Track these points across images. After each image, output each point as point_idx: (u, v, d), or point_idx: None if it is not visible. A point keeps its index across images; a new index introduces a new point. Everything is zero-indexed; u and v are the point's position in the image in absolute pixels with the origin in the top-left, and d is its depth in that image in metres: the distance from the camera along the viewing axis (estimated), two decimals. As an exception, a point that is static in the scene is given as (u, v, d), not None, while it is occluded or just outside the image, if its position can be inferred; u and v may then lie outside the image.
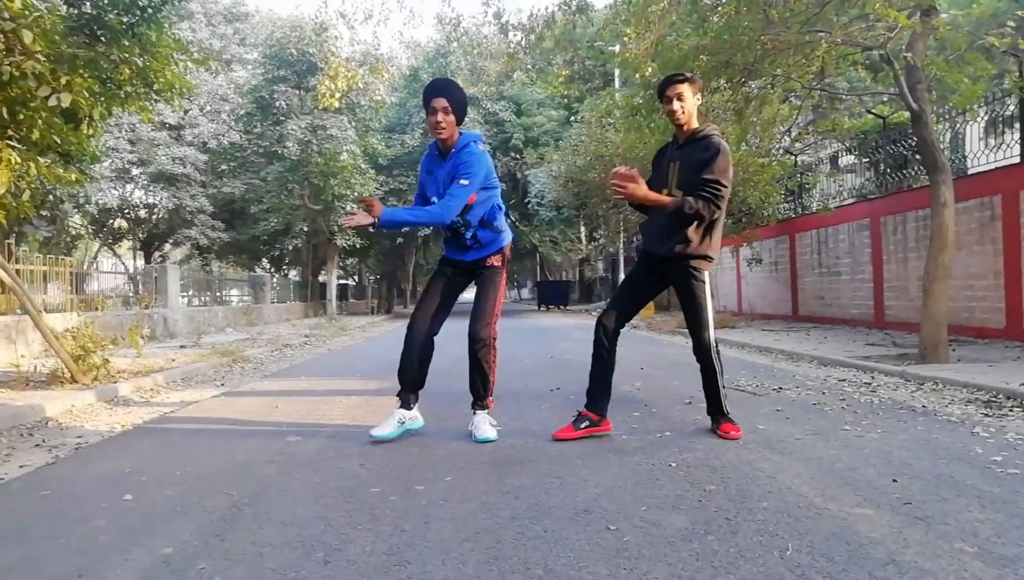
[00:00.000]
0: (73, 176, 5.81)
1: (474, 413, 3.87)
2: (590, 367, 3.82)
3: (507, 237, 3.88)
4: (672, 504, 2.52)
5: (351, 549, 2.16)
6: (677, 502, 2.55)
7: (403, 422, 3.78)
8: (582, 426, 3.71)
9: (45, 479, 3.12)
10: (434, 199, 3.69)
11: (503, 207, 3.91)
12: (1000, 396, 4.61)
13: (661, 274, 3.75)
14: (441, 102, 3.56)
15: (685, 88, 3.56)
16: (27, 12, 4.60)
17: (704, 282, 3.64)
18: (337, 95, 13.25)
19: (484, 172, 3.63)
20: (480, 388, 3.84)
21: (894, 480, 2.75)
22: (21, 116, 5.12)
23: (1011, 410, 4.18)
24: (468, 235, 3.75)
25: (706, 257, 3.62)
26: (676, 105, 3.57)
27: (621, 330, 3.82)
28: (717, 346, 3.74)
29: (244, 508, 2.60)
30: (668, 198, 3.53)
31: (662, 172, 3.72)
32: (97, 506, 2.66)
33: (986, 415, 4.07)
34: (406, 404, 3.82)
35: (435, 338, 3.88)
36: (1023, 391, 4.50)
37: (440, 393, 5.52)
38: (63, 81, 4.82)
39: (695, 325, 3.68)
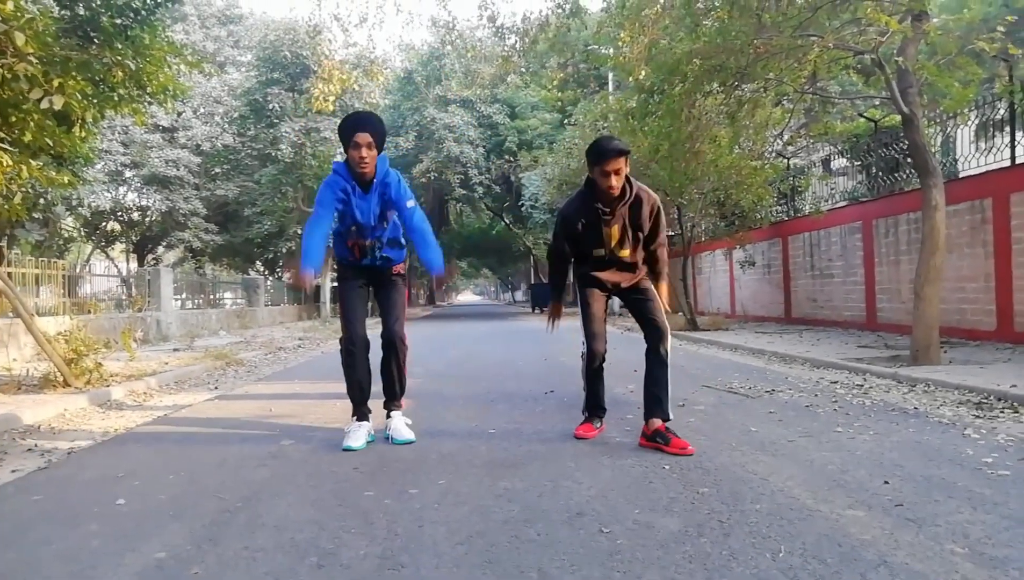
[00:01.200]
0: (66, 179, 5.79)
1: (388, 415, 3.91)
2: (585, 382, 4.06)
3: (405, 253, 4.02)
4: (665, 507, 2.53)
5: (344, 553, 2.16)
6: (670, 504, 2.55)
7: (370, 433, 3.79)
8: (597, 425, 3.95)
9: (37, 484, 3.10)
10: (353, 228, 3.74)
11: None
12: (991, 398, 4.63)
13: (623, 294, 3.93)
14: (365, 137, 3.55)
15: (623, 162, 3.50)
16: (19, 14, 4.59)
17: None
18: (331, 98, 13.23)
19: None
20: (396, 388, 3.91)
21: (886, 482, 2.77)
22: (13, 118, 5.10)
23: (1002, 412, 4.21)
24: (379, 254, 3.82)
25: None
26: (614, 181, 3.49)
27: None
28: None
29: (237, 512, 2.59)
30: (665, 288, 3.88)
31: (593, 234, 3.68)
32: (90, 510, 2.65)
33: (977, 417, 4.09)
34: (364, 417, 3.82)
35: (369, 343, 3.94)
36: (1014, 393, 4.53)
37: (433, 396, 5.52)
38: (55, 84, 4.80)
39: (660, 316, 3.75)
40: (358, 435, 3.70)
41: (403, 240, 3.92)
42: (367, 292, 4.01)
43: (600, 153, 3.48)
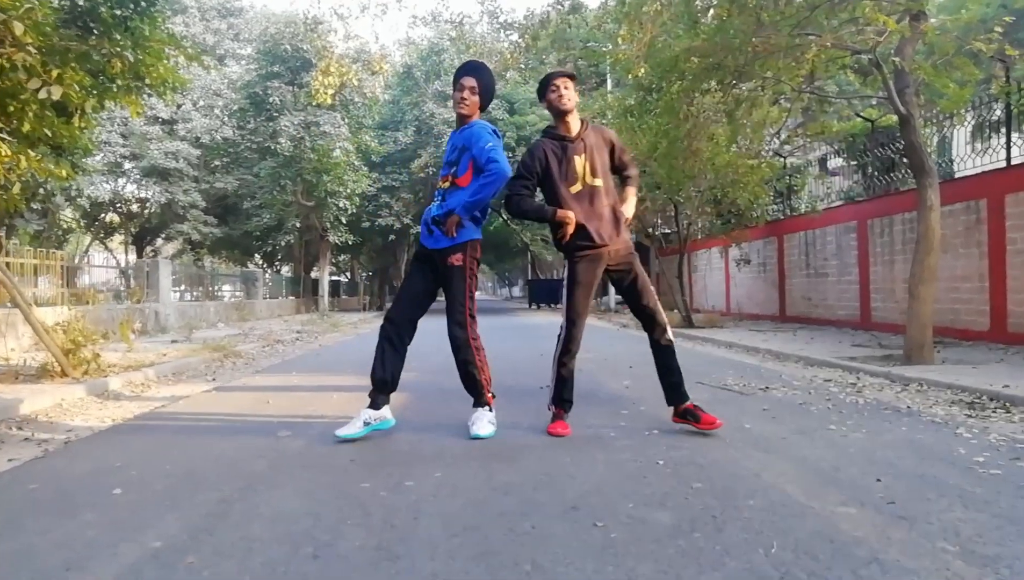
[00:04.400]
0: (64, 172, 5.79)
1: (474, 409, 3.87)
2: (557, 367, 3.88)
3: (472, 233, 3.74)
4: (659, 501, 2.55)
5: (340, 544, 2.18)
6: (664, 499, 2.57)
7: (369, 422, 3.68)
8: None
9: (34, 473, 3.11)
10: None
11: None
12: (983, 397, 4.66)
13: (606, 268, 3.82)
14: (470, 81, 3.73)
15: (567, 81, 3.75)
16: (18, 4, 4.58)
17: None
18: (330, 91, 13.21)
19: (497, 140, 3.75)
20: (471, 388, 3.85)
21: (878, 480, 2.79)
22: (11, 108, 5.09)
23: (994, 411, 4.23)
24: (438, 209, 3.70)
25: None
26: (563, 92, 3.71)
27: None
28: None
29: (233, 503, 2.61)
30: (632, 196, 3.87)
31: (566, 167, 3.71)
32: (86, 500, 2.66)
33: (969, 416, 4.11)
34: (374, 404, 3.74)
35: (414, 333, 3.87)
36: (1006, 393, 4.56)
37: (431, 389, 5.54)
38: (54, 74, 4.80)
39: (655, 304, 3.77)
40: (353, 423, 3.66)
41: (467, 217, 3.67)
42: (429, 277, 3.84)
43: (547, 78, 3.79)
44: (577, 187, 3.69)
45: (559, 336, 3.88)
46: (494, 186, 3.58)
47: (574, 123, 3.77)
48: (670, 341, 3.79)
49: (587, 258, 3.74)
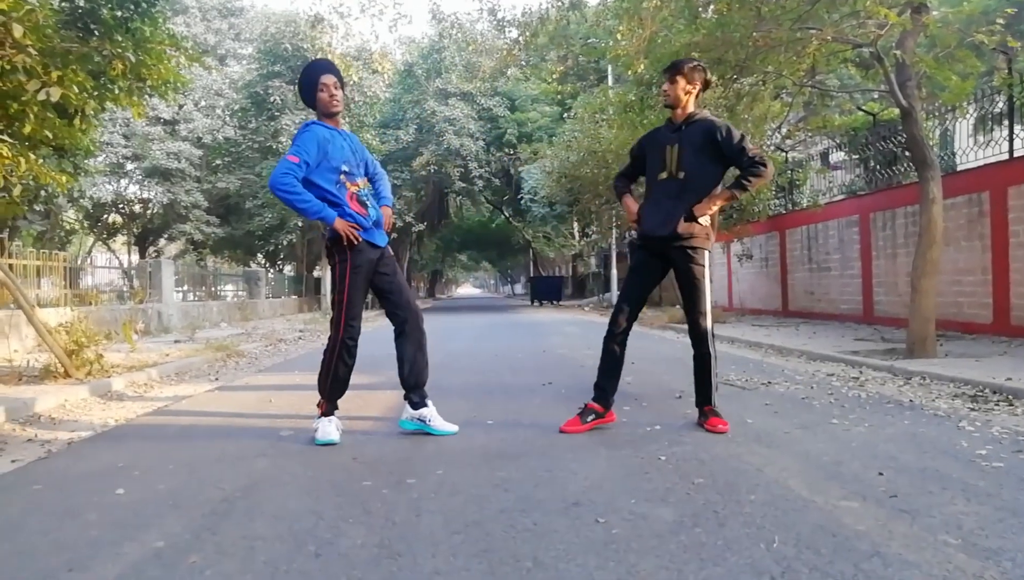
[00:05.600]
0: (64, 177, 5.79)
1: (423, 405, 3.79)
2: (600, 361, 3.84)
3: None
4: (661, 497, 2.55)
5: (342, 542, 2.18)
6: (666, 495, 2.57)
7: (339, 427, 3.68)
8: (588, 419, 3.74)
9: (37, 473, 3.12)
10: (344, 167, 3.62)
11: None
12: (986, 391, 4.65)
13: (663, 258, 3.77)
14: (332, 79, 3.65)
15: (672, 77, 3.74)
16: (19, 6, 4.58)
17: (704, 266, 3.71)
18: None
19: None
20: (427, 372, 3.90)
21: (880, 473, 2.78)
22: (12, 110, 5.10)
23: (997, 404, 4.23)
24: (375, 205, 3.74)
25: (707, 239, 3.72)
26: (667, 88, 3.73)
27: (632, 324, 3.87)
28: (713, 333, 3.78)
29: (236, 502, 2.61)
30: (717, 196, 3.71)
31: (656, 157, 3.76)
32: (89, 500, 2.67)
33: (972, 409, 4.11)
34: (331, 411, 3.72)
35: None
36: (1009, 386, 4.55)
37: (432, 387, 5.52)
38: (54, 76, 4.80)
39: (693, 310, 3.72)
40: (330, 430, 3.59)
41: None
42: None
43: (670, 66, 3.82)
44: (664, 175, 3.71)
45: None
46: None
47: (679, 113, 3.72)
48: (698, 348, 3.76)
49: (638, 246, 3.83)
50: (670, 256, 3.73)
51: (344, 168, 3.59)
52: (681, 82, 3.68)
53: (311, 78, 3.64)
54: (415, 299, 3.90)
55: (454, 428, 3.75)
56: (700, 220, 3.63)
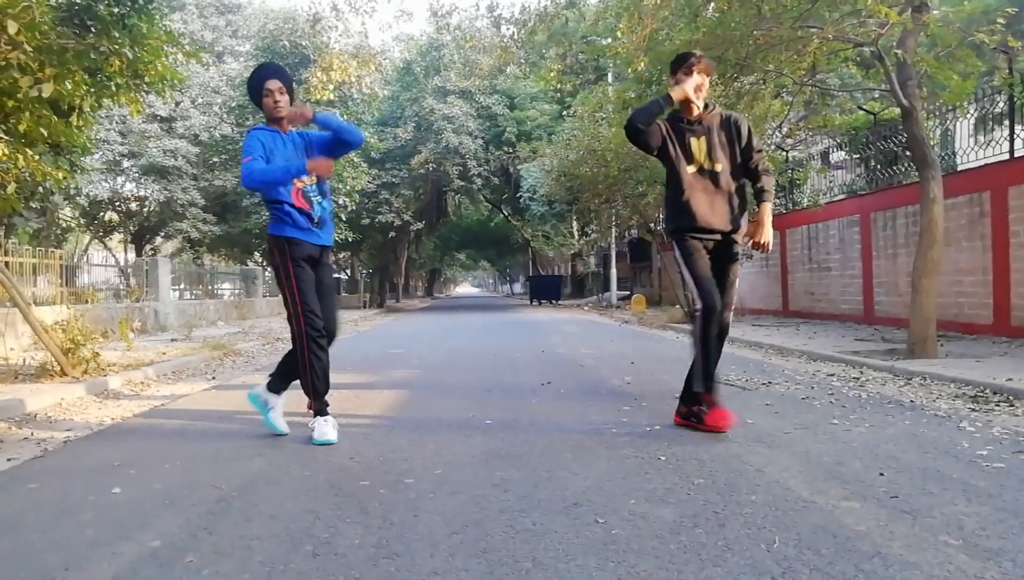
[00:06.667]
0: (61, 174, 5.76)
1: (321, 414, 3.67)
2: (705, 354, 3.57)
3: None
4: (660, 497, 2.54)
5: (340, 542, 2.16)
6: (666, 495, 2.56)
7: (335, 426, 3.64)
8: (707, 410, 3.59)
9: (33, 472, 3.10)
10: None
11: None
12: (987, 391, 4.64)
13: (711, 253, 3.66)
14: (276, 83, 3.64)
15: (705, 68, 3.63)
16: (14, 2, 4.55)
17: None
18: (331, 87, 13.19)
19: None
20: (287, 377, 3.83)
21: (881, 474, 2.77)
22: (8, 107, 5.07)
23: (997, 405, 4.22)
24: (328, 209, 3.73)
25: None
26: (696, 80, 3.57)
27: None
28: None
29: (233, 501, 2.59)
30: (767, 214, 3.60)
31: (682, 147, 3.63)
32: (85, 499, 2.65)
33: (973, 410, 4.10)
34: (323, 409, 3.66)
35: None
36: (1010, 386, 4.54)
37: (431, 387, 5.53)
38: (47, 73, 4.77)
39: (730, 302, 3.67)
40: (329, 429, 3.57)
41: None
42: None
43: (686, 56, 3.61)
44: (693, 168, 3.61)
45: (694, 313, 3.65)
46: (355, 131, 3.84)
47: (695, 107, 3.62)
48: (720, 338, 3.65)
49: (691, 238, 3.61)
50: (717, 250, 3.65)
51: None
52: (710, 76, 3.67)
53: (256, 83, 3.67)
54: (338, 316, 3.88)
55: (285, 429, 3.72)
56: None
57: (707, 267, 3.58)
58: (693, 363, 3.63)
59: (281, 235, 3.61)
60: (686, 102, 3.62)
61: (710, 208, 3.59)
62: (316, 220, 3.66)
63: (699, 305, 3.55)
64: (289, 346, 3.79)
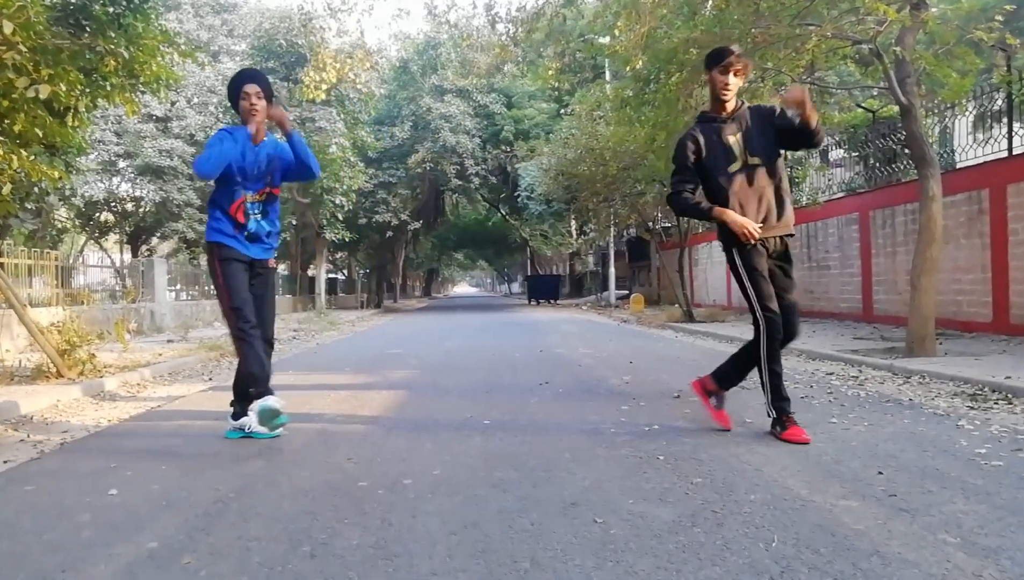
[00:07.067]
0: (56, 173, 5.75)
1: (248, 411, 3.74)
2: (774, 372, 3.44)
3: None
4: (659, 497, 2.53)
5: (338, 543, 2.15)
6: (664, 495, 2.55)
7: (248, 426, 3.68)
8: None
9: (29, 474, 3.09)
10: (239, 178, 3.67)
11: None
12: (986, 389, 4.64)
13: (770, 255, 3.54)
14: (254, 88, 3.68)
15: (743, 65, 3.51)
16: (9, 3, 4.53)
17: None
18: (324, 87, 13.15)
19: None
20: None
21: (880, 472, 2.77)
22: (3, 108, 5.05)
23: (996, 403, 4.22)
24: (265, 229, 3.76)
25: None
26: (732, 80, 3.46)
27: None
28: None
29: (230, 502, 2.58)
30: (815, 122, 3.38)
31: (720, 148, 3.50)
32: (81, 501, 2.64)
33: (972, 408, 4.10)
34: (244, 413, 3.71)
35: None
36: (1008, 384, 4.54)
37: (429, 387, 5.52)
38: (42, 73, 4.76)
39: (797, 300, 3.60)
40: (250, 421, 3.66)
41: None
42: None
43: (725, 52, 3.46)
44: (736, 165, 3.48)
45: (757, 335, 3.47)
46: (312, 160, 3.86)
47: (729, 104, 3.53)
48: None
49: (751, 248, 3.45)
50: (773, 247, 3.52)
51: (238, 178, 3.66)
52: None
53: (235, 86, 3.74)
54: (274, 324, 3.91)
55: (273, 431, 3.67)
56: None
57: (769, 282, 3.44)
58: (762, 385, 3.50)
59: (211, 240, 3.70)
60: (718, 100, 3.53)
61: (761, 209, 3.46)
62: (247, 234, 3.69)
63: (762, 325, 3.40)
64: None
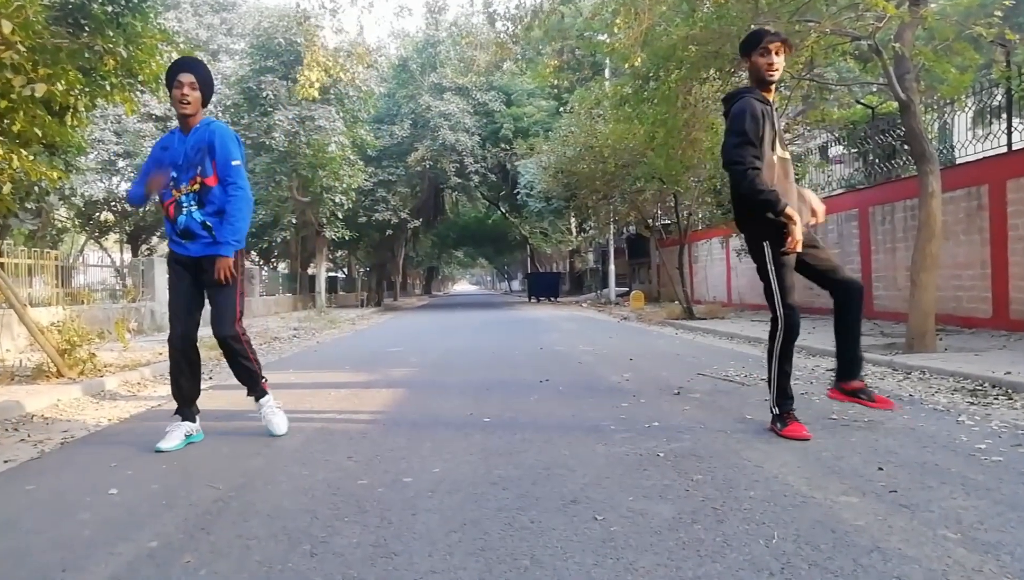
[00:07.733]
0: (56, 174, 5.74)
1: (258, 402, 3.79)
2: (785, 372, 3.45)
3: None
4: (659, 494, 2.53)
5: (337, 541, 2.15)
6: (664, 492, 2.55)
7: (189, 434, 3.61)
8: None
9: (30, 473, 3.09)
10: (173, 173, 3.56)
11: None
12: (986, 385, 4.64)
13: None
14: (188, 77, 3.53)
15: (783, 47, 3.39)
16: (7, 2, 4.52)
17: None
18: (316, 85, 13.12)
19: (242, 151, 3.67)
20: (248, 380, 3.79)
21: (880, 468, 2.77)
22: (2, 107, 5.05)
23: (996, 398, 4.22)
24: (193, 215, 3.53)
25: None
26: (775, 59, 3.35)
27: None
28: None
29: (230, 501, 2.58)
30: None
31: (769, 133, 3.36)
32: (82, 500, 2.64)
33: (971, 404, 4.10)
34: (190, 418, 3.66)
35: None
36: (1008, 379, 4.54)
37: (429, 385, 5.52)
38: (41, 72, 4.75)
39: (839, 266, 3.59)
40: (173, 435, 3.50)
41: (234, 250, 3.63)
42: (193, 285, 3.74)
43: (761, 35, 3.38)
44: (782, 153, 3.40)
45: (774, 330, 3.43)
46: (246, 213, 3.56)
47: (774, 87, 3.45)
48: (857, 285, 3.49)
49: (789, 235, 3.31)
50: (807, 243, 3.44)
51: (173, 174, 3.56)
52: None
53: (170, 75, 3.59)
54: (228, 326, 3.71)
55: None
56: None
57: (793, 273, 3.37)
58: (769, 380, 3.48)
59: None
60: (764, 83, 3.38)
61: (798, 200, 3.39)
62: (179, 230, 3.60)
63: (781, 322, 3.37)
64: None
